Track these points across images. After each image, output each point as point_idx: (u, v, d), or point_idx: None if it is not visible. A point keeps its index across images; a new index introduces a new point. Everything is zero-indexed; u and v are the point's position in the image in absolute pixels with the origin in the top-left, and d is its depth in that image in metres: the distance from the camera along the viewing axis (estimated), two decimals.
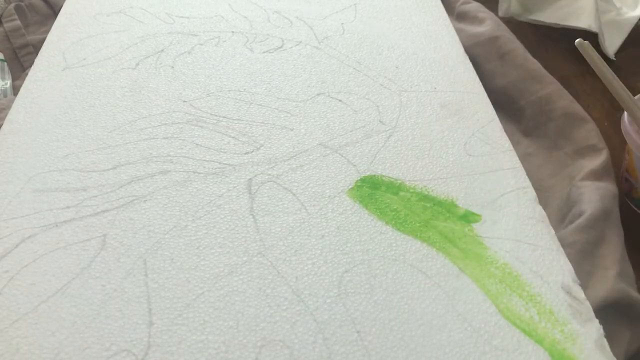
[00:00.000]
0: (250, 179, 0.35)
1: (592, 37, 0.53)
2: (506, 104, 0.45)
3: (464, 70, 0.45)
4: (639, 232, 0.36)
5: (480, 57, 0.48)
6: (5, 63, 0.47)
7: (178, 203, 0.33)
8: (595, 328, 0.28)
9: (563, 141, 0.41)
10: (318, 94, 0.42)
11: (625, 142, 0.37)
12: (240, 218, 0.33)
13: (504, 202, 0.34)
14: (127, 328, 0.27)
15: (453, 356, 0.27)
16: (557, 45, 0.56)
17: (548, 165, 0.40)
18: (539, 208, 0.34)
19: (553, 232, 0.33)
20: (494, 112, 0.42)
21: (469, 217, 0.33)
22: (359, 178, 0.35)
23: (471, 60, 0.47)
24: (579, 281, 0.30)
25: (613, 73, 0.35)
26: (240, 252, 0.31)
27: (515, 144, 0.39)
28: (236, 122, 0.39)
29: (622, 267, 0.32)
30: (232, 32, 0.48)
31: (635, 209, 0.38)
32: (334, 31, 0.49)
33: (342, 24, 0.50)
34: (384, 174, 0.36)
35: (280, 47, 0.47)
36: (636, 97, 0.36)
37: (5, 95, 0.44)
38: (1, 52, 0.47)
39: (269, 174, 0.35)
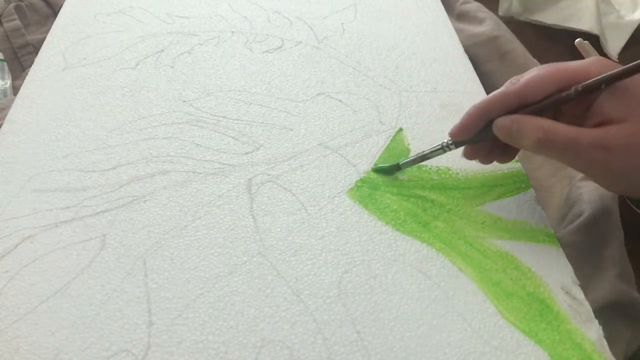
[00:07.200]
0: (250, 179, 0.35)
1: (592, 38, 0.53)
2: None
3: (464, 70, 0.45)
4: (639, 232, 0.36)
5: (480, 57, 0.48)
6: (5, 63, 0.47)
7: (178, 203, 0.33)
8: (595, 328, 0.28)
9: None
10: (318, 94, 0.42)
11: None
12: (240, 218, 0.33)
13: (503, 202, 0.34)
14: (127, 328, 0.27)
15: (453, 356, 0.27)
16: (557, 45, 0.56)
17: (548, 165, 0.40)
18: (539, 208, 0.34)
19: (553, 232, 0.33)
20: None
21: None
22: (359, 178, 0.35)
23: (471, 60, 0.47)
24: (578, 282, 0.30)
25: None
26: (240, 252, 0.31)
27: None
28: (236, 122, 0.39)
29: (622, 267, 0.32)
30: (232, 32, 0.48)
31: (635, 209, 0.38)
32: (334, 31, 0.49)
33: (342, 24, 0.50)
34: None
35: (280, 47, 0.47)
36: None
37: (5, 95, 0.44)
38: (1, 52, 0.47)
39: (269, 174, 0.35)
